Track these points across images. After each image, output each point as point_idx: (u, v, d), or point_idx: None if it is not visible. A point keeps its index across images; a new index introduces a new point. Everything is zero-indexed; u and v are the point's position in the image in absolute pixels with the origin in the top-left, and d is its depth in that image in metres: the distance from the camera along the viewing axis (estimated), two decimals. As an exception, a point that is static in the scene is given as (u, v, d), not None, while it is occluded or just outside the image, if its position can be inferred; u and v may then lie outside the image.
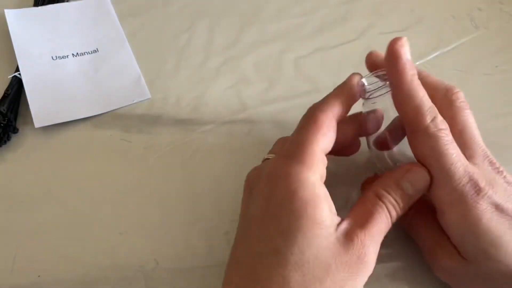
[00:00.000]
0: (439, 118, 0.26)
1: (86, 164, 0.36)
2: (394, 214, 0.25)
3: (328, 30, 0.44)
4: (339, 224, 0.24)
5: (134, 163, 0.36)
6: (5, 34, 0.42)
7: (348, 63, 0.41)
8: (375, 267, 0.31)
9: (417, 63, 0.41)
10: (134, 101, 0.39)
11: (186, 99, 0.39)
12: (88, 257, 0.31)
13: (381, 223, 0.25)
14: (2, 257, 0.31)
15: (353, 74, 0.29)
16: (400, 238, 0.32)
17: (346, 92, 0.28)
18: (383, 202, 0.25)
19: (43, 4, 0.45)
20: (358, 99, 0.29)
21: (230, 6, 0.46)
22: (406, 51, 0.27)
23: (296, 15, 0.45)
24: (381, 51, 0.42)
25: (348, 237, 0.24)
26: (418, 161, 0.27)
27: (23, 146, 0.37)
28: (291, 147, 0.26)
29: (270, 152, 0.30)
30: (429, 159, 0.26)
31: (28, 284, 0.30)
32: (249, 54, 0.42)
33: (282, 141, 0.31)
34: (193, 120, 0.38)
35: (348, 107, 0.28)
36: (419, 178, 0.26)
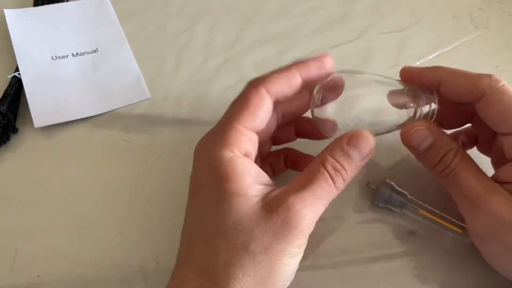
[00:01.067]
0: None
1: (86, 164, 0.36)
2: (339, 179, 0.25)
3: (328, 30, 0.44)
4: (271, 191, 0.25)
5: (134, 163, 0.36)
6: (5, 34, 0.42)
7: (348, 63, 0.41)
8: (376, 268, 0.31)
9: (417, 63, 0.41)
10: (134, 101, 0.39)
11: (186, 99, 0.39)
12: (88, 257, 0.31)
13: (319, 189, 0.25)
14: (2, 257, 0.31)
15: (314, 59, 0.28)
16: (401, 238, 0.32)
17: (290, 74, 0.27)
18: (325, 167, 0.25)
19: (43, 4, 0.45)
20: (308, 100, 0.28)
21: (230, 6, 0.46)
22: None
23: (296, 15, 0.45)
24: (381, 51, 0.42)
25: (274, 203, 0.24)
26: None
27: (23, 146, 0.37)
28: (216, 126, 0.27)
29: None
30: None
31: (28, 284, 0.30)
32: (249, 54, 0.42)
33: None
34: (193, 120, 0.38)
35: (291, 88, 0.27)
36: (365, 142, 0.26)
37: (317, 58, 0.28)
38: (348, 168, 0.26)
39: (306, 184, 0.25)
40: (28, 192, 0.34)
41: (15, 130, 0.37)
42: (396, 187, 0.32)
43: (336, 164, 0.25)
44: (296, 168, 0.33)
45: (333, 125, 0.28)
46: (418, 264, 0.31)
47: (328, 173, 0.25)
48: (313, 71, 0.27)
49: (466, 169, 0.27)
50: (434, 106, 0.28)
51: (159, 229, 0.33)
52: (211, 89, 0.40)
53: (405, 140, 0.29)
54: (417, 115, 0.28)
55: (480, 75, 0.27)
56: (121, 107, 0.39)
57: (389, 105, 0.28)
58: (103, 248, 0.32)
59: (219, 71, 0.41)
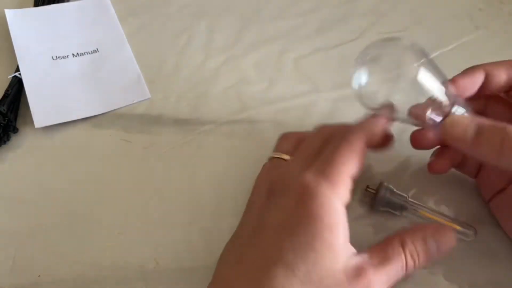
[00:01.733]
0: None
1: (86, 164, 0.36)
2: (411, 265, 0.26)
3: (328, 30, 0.44)
4: (353, 255, 0.25)
5: (134, 163, 0.36)
6: (5, 34, 0.42)
7: (348, 63, 0.41)
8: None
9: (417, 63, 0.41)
10: (134, 101, 0.39)
11: (186, 99, 0.39)
12: (88, 257, 0.31)
13: (395, 270, 0.25)
14: (2, 257, 0.31)
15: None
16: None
17: (377, 127, 0.28)
18: (404, 252, 0.25)
19: (43, 4, 0.45)
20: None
21: (230, 6, 0.46)
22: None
23: (296, 15, 0.45)
24: (381, 51, 0.42)
25: (357, 271, 0.24)
26: None
27: (23, 146, 0.37)
28: (325, 164, 0.25)
29: (278, 150, 0.30)
30: None
31: (28, 284, 0.30)
32: (249, 54, 0.42)
33: (287, 138, 0.31)
34: (193, 120, 0.38)
35: (376, 141, 0.28)
36: (447, 240, 0.26)
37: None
38: (422, 259, 0.26)
39: (384, 262, 0.25)
40: (28, 192, 0.34)
41: (15, 130, 0.37)
42: (395, 190, 0.32)
43: (414, 251, 0.26)
44: None
45: (390, 108, 0.28)
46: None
47: (405, 257, 0.25)
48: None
49: None
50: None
51: (159, 229, 0.33)
52: (211, 89, 0.40)
53: (449, 135, 0.27)
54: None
55: None
56: (121, 107, 0.39)
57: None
58: (103, 248, 0.32)
59: (219, 71, 0.41)
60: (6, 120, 0.36)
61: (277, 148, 0.31)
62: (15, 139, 0.37)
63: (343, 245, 0.24)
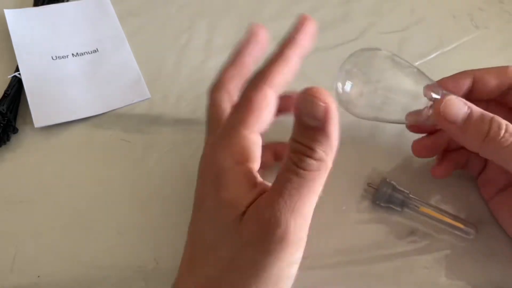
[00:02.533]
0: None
1: (86, 164, 0.36)
2: (307, 162, 0.21)
3: (328, 30, 0.44)
4: (256, 197, 0.23)
5: (134, 163, 0.36)
6: (5, 34, 0.42)
7: (348, 63, 0.41)
8: (376, 268, 0.31)
9: (417, 63, 0.41)
10: (134, 101, 0.39)
11: (186, 99, 0.39)
12: (88, 257, 0.31)
13: (292, 184, 0.21)
14: (2, 257, 0.31)
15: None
16: (401, 238, 0.32)
17: (290, 63, 0.27)
18: (289, 157, 0.22)
19: (43, 4, 0.45)
20: None
21: (230, 6, 0.46)
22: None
23: (296, 15, 0.45)
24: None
25: (252, 213, 0.22)
26: None
27: (23, 146, 0.37)
28: (220, 133, 0.25)
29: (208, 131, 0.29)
30: None
31: (28, 284, 0.30)
32: (249, 54, 0.42)
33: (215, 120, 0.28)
34: (193, 120, 0.38)
35: (292, 76, 0.26)
36: (309, 103, 0.22)
37: (303, 29, 0.27)
38: (315, 144, 0.21)
39: (274, 184, 0.22)
40: (28, 192, 0.34)
41: (15, 130, 0.37)
42: (397, 186, 0.32)
43: (299, 146, 0.22)
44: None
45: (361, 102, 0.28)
46: (418, 264, 0.31)
47: (291, 160, 0.22)
48: (306, 46, 0.26)
49: None
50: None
51: (159, 229, 0.33)
52: (211, 89, 0.40)
53: (441, 115, 0.27)
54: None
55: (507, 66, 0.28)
56: (121, 107, 0.39)
57: (411, 89, 0.28)
58: (103, 248, 0.32)
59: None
60: (6, 120, 0.36)
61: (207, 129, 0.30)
62: (14, 139, 0.37)
63: (241, 197, 0.23)
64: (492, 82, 0.29)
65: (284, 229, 0.21)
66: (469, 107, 0.27)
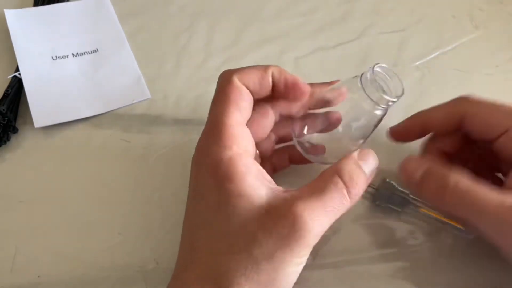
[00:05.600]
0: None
1: (86, 164, 0.36)
2: (354, 193, 0.24)
3: (328, 30, 0.44)
4: (278, 193, 0.24)
5: (134, 163, 0.36)
6: (5, 34, 0.42)
7: (348, 63, 0.41)
8: (376, 268, 0.31)
9: (417, 63, 0.41)
10: (134, 101, 0.39)
11: (186, 99, 0.39)
12: (88, 257, 0.31)
13: (333, 201, 0.24)
14: (2, 257, 0.31)
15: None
16: (401, 238, 0.32)
17: (262, 73, 0.27)
18: (341, 178, 0.24)
19: (43, 4, 0.45)
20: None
21: (230, 6, 0.46)
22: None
23: (296, 15, 0.45)
24: (381, 51, 0.42)
25: (281, 209, 0.23)
26: None
27: (23, 146, 0.37)
28: (206, 127, 0.26)
29: None
30: None
31: (28, 284, 0.30)
32: (249, 54, 0.42)
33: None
34: (193, 120, 0.38)
35: (263, 87, 0.27)
36: (372, 157, 0.26)
37: (296, 85, 0.28)
38: (361, 183, 0.25)
39: (316, 192, 0.24)
40: (28, 192, 0.34)
41: (15, 130, 0.37)
42: (397, 186, 0.32)
43: (352, 176, 0.25)
44: (301, 162, 0.32)
45: (322, 148, 0.29)
46: (418, 264, 0.31)
47: (344, 182, 0.24)
48: (290, 92, 0.28)
49: (476, 185, 0.26)
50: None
51: (159, 229, 0.33)
52: (211, 89, 0.39)
53: (403, 174, 0.29)
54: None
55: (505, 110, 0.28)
56: (121, 107, 0.39)
57: (360, 102, 0.28)
58: (103, 248, 0.32)
59: (219, 71, 0.41)
60: (6, 120, 0.36)
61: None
62: (14, 139, 0.37)
63: (254, 186, 0.23)
64: (439, 117, 0.30)
65: (313, 235, 0.23)
66: (425, 167, 0.28)
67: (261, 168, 0.25)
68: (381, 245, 0.32)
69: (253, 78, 0.27)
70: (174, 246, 0.32)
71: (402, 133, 0.32)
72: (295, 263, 0.23)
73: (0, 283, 0.30)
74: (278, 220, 0.23)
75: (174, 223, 0.33)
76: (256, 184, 0.24)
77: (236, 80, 0.26)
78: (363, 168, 0.26)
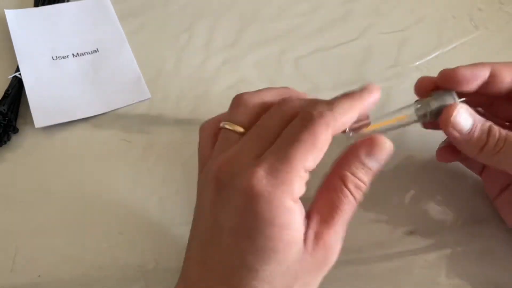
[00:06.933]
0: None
1: (86, 164, 0.36)
2: (359, 195, 0.25)
3: (328, 30, 0.44)
4: (307, 228, 0.24)
5: (134, 163, 0.36)
6: (5, 34, 0.42)
7: (348, 63, 0.41)
8: (376, 268, 0.31)
9: (417, 63, 0.41)
10: (134, 101, 0.39)
11: (186, 99, 0.39)
12: (88, 257, 0.31)
13: (347, 213, 0.25)
14: (2, 257, 0.31)
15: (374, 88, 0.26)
16: (401, 238, 0.32)
17: (362, 107, 0.25)
18: (348, 188, 0.24)
19: (43, 4, 0.45)
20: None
21: (230, 6, 0.46)
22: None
23: (296, 15, 0.45)
24: (381, 51, 0.42)
25: (315, 243, 0.24)
26: None
27: (23, 146, 0.37)
28: (279, 160, 0.23)
29: (231, 118, 0.27)
30: None
31: (28, 284, 0.30)
32: (249, 54, 0.42)
33: (244, 105, 0.27)
34: (193, 120, 0.38)
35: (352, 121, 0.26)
36: (384, 151, 0.25)
37: (371, 94, 0.26)
38: (368, 181, 0.25)
39: (334, 213, 0.24)
40: (28, 192, 0.34)
41: (15, 130, 0.37)
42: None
43: (358, 181, 0.25)
44: None
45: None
46: (418, 264, 0.31)
47: (351, 193, 0.25)
48: (368, 108, 0.26)
49: None
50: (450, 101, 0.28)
51: (159, 229, 0.33)
52: (211, 89, 0.40)
53: (449, 124, 0.28)
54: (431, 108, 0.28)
55: None
56: (121, 107, 0.39)
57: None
58: (103, 248, 0.32)
59: (219, 71, 0.41)
60: (6, 120, 0.36)
61: (231, 115, 0.27)
62: (15, 139, 0.37)
63: (300, 233, 0.24)
64: (508, 77, 0.29)
65: (338, 253, 0.25)
66: (473, 118, 0.28)
67: (302, 206, 0.24)
68: (381, 245, 0.32)
69: (343, 126, 0.25)
70: (174, 246, 0.32)
71: (464, 71, 0.30)
72: (318, 283, 0.25)
73: (0, 283, 0.30)
74: (313, 255, 0.24)
75: (174, 223, 0.33)
76: (302, 228, 0.24)
77: (331, 130, 0.24)
78: (370, 165, 0.25)
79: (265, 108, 0.27)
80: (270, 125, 0.25)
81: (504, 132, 0.28)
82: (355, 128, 0.27)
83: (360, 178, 0.25)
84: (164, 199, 0.34)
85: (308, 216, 0.24)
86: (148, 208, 0.34)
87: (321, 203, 0.25)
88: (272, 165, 0.23)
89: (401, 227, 0.32)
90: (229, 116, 0.27)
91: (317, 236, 0.24)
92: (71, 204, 0.34)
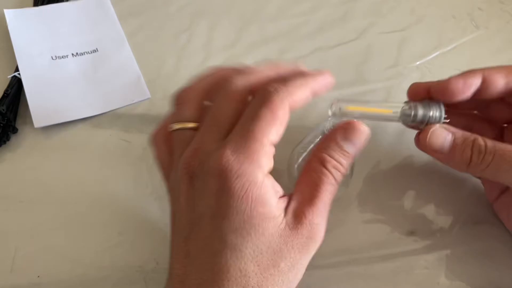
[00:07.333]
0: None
1: (86, 164, 0.36)
2: (339, 176, 0.26)
3: (328, 30, 0.44)
4: (287, 206, 0.25)
5: (134, 163, 0.36)
6: (5, 34, 0.42)
7: (348, 63, 0.41)
8: (376, 268, 0.31)
9: (417, 63, 0.41)
10: (134, 101, 0.39)
11: (186, 99, 0.39)
12: (88, 257, 0.31)
13: (328, 193, 0.26)
14: (2, 257, 0.31)
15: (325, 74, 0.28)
16: (401, 238, 0.32)
17: (315, 85, 0.27)
18: (327, 169, 0.26)
19: (42, 4, 0.45)
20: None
21: (230, 6, 0.46)
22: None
23: (296, 15, 0.45)
24: (381, 51, 0.42)
25: (297, 219, 0.25)
26: None
27: (23, 146, 0.37)
28: (243, 138, 0.24)
29: (177, 118, 0.28)
30: None
31: (27, 284, 0.30)
32: (249, 54, 0.42)
33: (184, 102, 0.29)
34: (193, 120, 0.38)
35: (307, 99, 0.27)
36: (359, 135, 0.27)
37: (323, 75, 0.28)
38: (346, 163, 0.26)
39: (315, 192, 0.25)
40: (28, 192, 0.34)
41: (15, 130, 0.37)
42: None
43: (335, 163, 0.26)
44: None
45: None
46: (418, 264, 0.31)
47: (331, 174, 0.26)
48: (320, 88, 0.28)
49: (508, 147, 0.27)
50: (437, 113, 0.29)
51: (159, 229, 0.33)
52: (211, 89, 0.40)
53: (426, 146, 0.29)
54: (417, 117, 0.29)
55: None
56: (121, 107, 0.39)
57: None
58: (103, 248, 0.32)
59: (219, 71, 0.41)
60: (6, 120, 0.36)
61: (177, 115, 0.28)
62: (14, 139, 0.37)
63: (277, 207, 0.24)
64: (500, 82, 0.29)
65: (323, 233, 0.25)
66: (452, 134, 0.29)
67: (275, 182, 0.25)
68: (381, 245, 0.32)
69: (300, 101, 0.26)
70: (174, 246, 0.32)
71: (456, 83, 0.30)
72: (308, 263, 0.25)
73: (0, 283, 0.30)
74: (296, 231, 0.24)
75: (174, 223, 0.33)
76: (278, 204, 0.25)
77: (287, 103, 0.25)
78: (347, 149, 0.26)
79: (206, 95, 0.28)
80: (223, 108, 0.26)
81: (491, 144, 0.27)
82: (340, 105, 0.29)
83: (338, 160, 0.26)
84: (164, 199, 0.34)
85: (290, 197, 0.26)
86: (148, 208, 0.34)
87: (302, 184, 0.26)
88: (238, 143, 0.24)
89: (401, 227, 0.32)
90: (175, 116, 0.28)
91: (299, 214, 0.25)
92: (70, 204, 0.34)
